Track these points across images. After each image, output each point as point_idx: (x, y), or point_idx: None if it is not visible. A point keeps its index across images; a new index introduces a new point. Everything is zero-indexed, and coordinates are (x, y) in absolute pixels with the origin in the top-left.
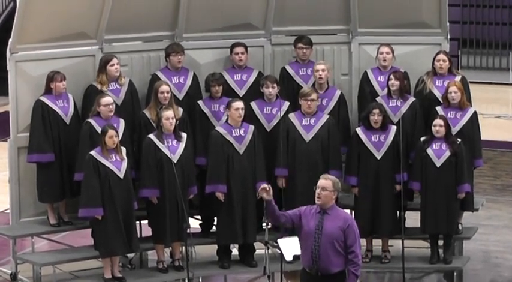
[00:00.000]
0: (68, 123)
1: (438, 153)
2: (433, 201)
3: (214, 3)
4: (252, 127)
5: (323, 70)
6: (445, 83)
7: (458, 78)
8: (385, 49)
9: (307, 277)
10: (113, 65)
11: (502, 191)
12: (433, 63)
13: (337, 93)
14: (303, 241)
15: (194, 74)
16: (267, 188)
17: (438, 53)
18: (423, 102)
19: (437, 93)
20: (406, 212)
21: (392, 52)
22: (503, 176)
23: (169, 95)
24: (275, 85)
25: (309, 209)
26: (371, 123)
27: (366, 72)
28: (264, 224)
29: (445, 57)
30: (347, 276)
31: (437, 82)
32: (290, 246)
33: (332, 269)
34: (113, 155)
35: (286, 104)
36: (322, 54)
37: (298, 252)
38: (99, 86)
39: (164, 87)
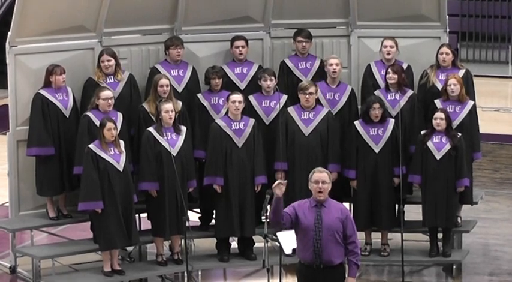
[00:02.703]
0: (67, 116)
1: (438, 146)
2: (433, 194)
3: None
4: (252, 121)
5: (337, 64)
6: None
7: (462, 72)
8: (389, 43)
9: (306, 271)
10: (103, 61)
11: (501, 184)
12: (436, 56)
13: (348, 88)
14: (301, 236)
15: (193, 67)
16: (282, 183)
17: (441, 46)
18: (426, 96)
19: (440, 87)
20: (406, 205)
21: (397, 45)
22: (503, 169)
23: (168, 88)
24: (273, 78)
25: (302, 203)
26: (371, 117)
27: (369, 65)
28: (263, 218)
29: (448, 50)
30: (348, 267)
31: (440, 76)
32: (289, 240)
33: (334, 261)
34: (112, 148)
35: (285, 97)
36: (322, 47)
37: None
38: (95, 78)
39: (164, 81)
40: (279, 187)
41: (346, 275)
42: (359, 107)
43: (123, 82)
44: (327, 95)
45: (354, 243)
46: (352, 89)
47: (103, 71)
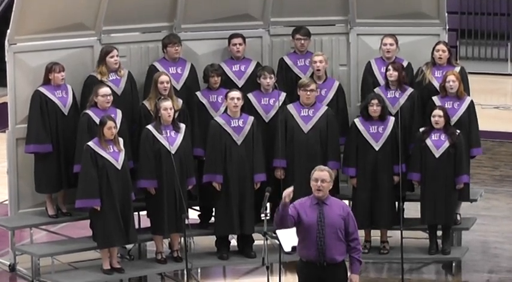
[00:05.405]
0: (66, 114)
1: (437, 144)
2: (432, 192)
3: None
4: (251, 118)
5: (321, 61)
6: None
7: (457, 69)
8: (388, 40)
9: (308, 269)
10: (113, 56)
11: (501, 182)
12: (432, 54)
13: (336, 84)
14: (303, 234)
15: (191, 64)
16: (291, 194)
17: (438, 44)
18: (422, 93)
19: (437, 84)
20: (405, 203)
21: (396, 43)
22: (502, 167)
23: (168, 85)
24: (272, 76)
25: (303, 201)
26: (370, 114)
27: (369, 62)
28: (262, 215)
29: (445, 48)
30: (351, 264)
31: (436, 73)
32: (289, 237)
33: (337, 258)
34: (111, 146)
35: (283, 94)
36: (321, 44)
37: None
38: (99, 77)
39: (163, 78)
40: (289, 196)
41: (349, 272)
42: (357, 104)
43: (124, 78)
44: None
45: (356, 240)
46: (339, 85)
47: (111, 66)
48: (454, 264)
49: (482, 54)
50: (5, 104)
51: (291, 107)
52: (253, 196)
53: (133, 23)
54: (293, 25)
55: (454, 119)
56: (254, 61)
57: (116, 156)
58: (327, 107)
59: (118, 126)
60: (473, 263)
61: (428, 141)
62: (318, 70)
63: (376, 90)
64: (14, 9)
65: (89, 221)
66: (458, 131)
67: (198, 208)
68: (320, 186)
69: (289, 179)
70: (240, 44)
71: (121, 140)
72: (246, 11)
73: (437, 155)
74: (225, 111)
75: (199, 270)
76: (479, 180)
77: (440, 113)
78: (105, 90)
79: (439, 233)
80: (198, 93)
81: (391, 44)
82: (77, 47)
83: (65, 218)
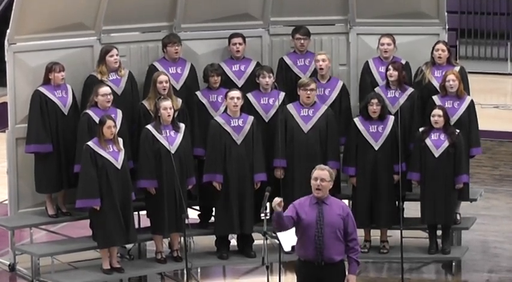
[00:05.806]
0: (66, 113)
1: (436, 144)
2: (432, 191)
3: None
4: (251, 118)
5: (323, 60)
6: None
7: (457, 69)
8: (386, 40)
9: (307, 268)
10: (112, 56)
11: (501, 181)
12: (432, 53)
13: (340, 83)
14: (302, 233)
15: (191, 64)
16: (281, 203)
17: (437, 43)
18: (422, 93)
19: (436, 84)
20: (405, 202)
21: (394, 43)
22: (502, 166)
23: (167, 84)
24: (271, 75)
25: (302, 201)
26: (369, 113)
27: (367, 62)
28: (262, 215)
29: (444, 47)
30: (349, 264)
31: (436, 72)
32: (288, 237)
33: (335, 258)
34: (110, 146)
35: (283, 94)
36: (320, 44)
37: None
38: (99, 76)
39: (162, 77)
40: (280, 204)
41: (347, 272)
42: (357, 104)
43: (125, 78)
44: (318, 91)
45: (354, 240)
46: (343, 84)
47: (110, 65)
48: (453, 263)
49: (482, 54)
50: (5, 104)
51: (290, 107)
52: (253, 196)
53: (133, 22)
54: (293, 25)
55: (454, 119)
56: (254, 61)
57: (115, 155)
58: (326, 107)
59: (118, 126)
60: (473, 262)
61: (428, 141)
62: (321, 69)
63: (376, 89)
64: (13, 8)
65: (88, 220)
66: (457, 131)
67: (198, 208)
68: (319, 185)
69: (289, 178)
70: (239, 44)
71: (120, 140)
72: (246, 11)
73: (436, 155)
74: (225, 110)
75: (199, 270)
76: (479, 180)
77: (440, 112)
78: (105, 89)
79: (439, 232)
80: (198, 93)
81: (388, 44)
82: (77, 47)
83: (65, 218)
